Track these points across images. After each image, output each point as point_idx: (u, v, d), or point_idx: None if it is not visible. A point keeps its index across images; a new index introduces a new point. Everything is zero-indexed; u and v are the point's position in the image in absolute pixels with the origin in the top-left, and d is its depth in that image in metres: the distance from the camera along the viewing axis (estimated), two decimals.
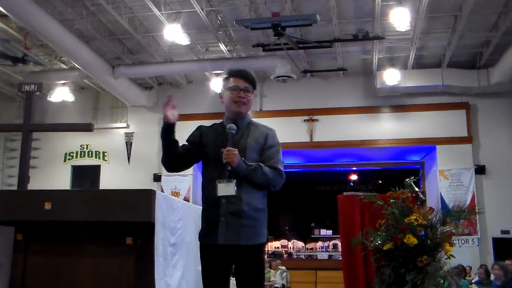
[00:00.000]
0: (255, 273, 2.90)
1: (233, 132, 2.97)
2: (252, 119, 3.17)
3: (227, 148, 2.86)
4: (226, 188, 2.85)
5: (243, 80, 3.07)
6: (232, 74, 3.12)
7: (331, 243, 14.24)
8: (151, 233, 3.18)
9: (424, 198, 5.48)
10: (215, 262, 2.91)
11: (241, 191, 2.87)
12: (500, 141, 11.96)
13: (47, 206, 3.19)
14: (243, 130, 3.05)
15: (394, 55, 11.57)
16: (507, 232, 11.44)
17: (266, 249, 14.27)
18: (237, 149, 2.87)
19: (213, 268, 2.92)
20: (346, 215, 5.39)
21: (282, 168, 3.00)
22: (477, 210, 10.00)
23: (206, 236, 2.93)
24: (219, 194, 2.86)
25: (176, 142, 3.07)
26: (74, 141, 13.48)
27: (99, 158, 13.55)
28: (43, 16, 8.99)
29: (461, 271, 8.24)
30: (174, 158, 3.08)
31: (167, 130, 3.03)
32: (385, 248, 4.37)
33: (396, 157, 13.32)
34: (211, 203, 2.93)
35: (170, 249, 3.52)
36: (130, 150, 13.42)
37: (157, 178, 12.87)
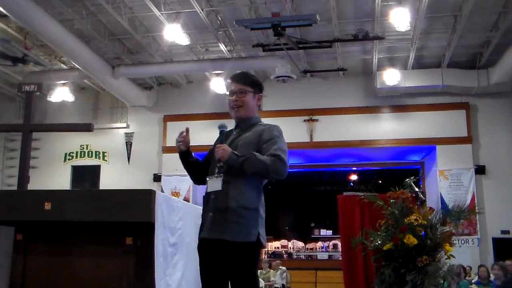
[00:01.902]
0: (241, 271, 2.82)
1: (224, 130, 3.05)
2: (261, 120, 3.15)
3: (217, 145, 2.93)
4: (214, 184, 2.92)
5: (237, 83, 3.09)
6: (230, 78, 3.19)
7: (331, 243, 14.24)
8: (151, 233, 3.18)
9: (424, 198, 5.48)
10: (206, 258, 2.90)
11: (229, 186, 2.88)
12: (500, 141, 11.96)
13: (47, 206, 3.19)
14: (243, 131, 3.06)
15: (394, 55, 11.57)
16: (507, 232, 11.44)
17: (263, 251, 14.37)
18: (226, 145, 2.91)
19: (205, 264, 2.91)
20: (346, 215, 5.39)
21: (282, 155, 2.88)
22: (477, 210, 9.99)
23: (199, 232, 2.97)
24: (208, 190, 2.95)
25: (194, 162, 3.18)
26: (74, 141, 13.48)
27: (99, 158, 13.55)
28: (43, 16, 8.99)
29: (460, 270, 8.25)
30: (198, 175, 3.18)
31: (182, 158, 3.15)
32: (385, 248, 4.37)
33: (396, 157, 13.32)
34: (205, 200, 2.99)
35: (170, 249, 3.52)
36: (130, 150, 13.42)
37: (157, 178, 12.88)
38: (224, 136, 3.06)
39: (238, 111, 3.06)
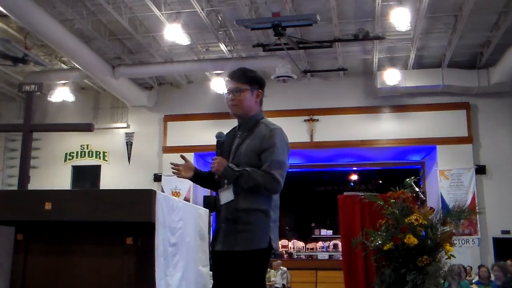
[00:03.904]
0: (251, 278, 2.81)
1: (221, 140, 3.00)
2: (263, 118, 3.10)
3: (213, 157, 2.91)
4: (225, 195, 2.91)
5: (232, 81, 3.05)
6: (227, 75, 3.18)
7: (331, 243, 14.25)
8: (152, 233, 3.17)
9: (424, 198, 5.49)
10: (220, 269, 2.92)
11: (238, 197, 2.87)
12: (500, 141, 11.95)
13: (47, 206, 3.18)
14: (245, 134, 3.02)
15: (394, 55, 11.56)
16: (508, 232, 11.43)
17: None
18: (221, 157, 2.89)
19: (218, 275, 2.93)
20: (346, 215, 5.40)
21: (276, 172, 2.83)
22: (477, 210, 10.00)
23: (213, 243, 2.99)
24: (221, 203, 2.94)
25: (210, 179, 3.11)
26: (74, 141, 13.48)
27: (99, 158, 13.55)
28: (43, 16, 8.99)
29: (460, 270, 8.25)
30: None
31: (194, 181, 3.15)
32: (385, 248, 4.38)
33: (396, 157, 13.31)
34: (217, 211, 3.00)
35: (171, 249, 3.51)
36: (130, 150, 13.41)
37: (157, 178, 12.87)
38: (221, 146, 3.01)
39: (234, 109, 3.04)
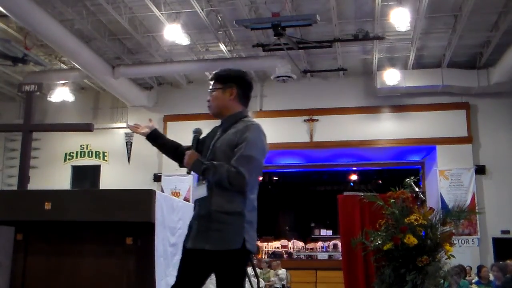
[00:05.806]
0: (226, 281, 2.72)
1: (197, 135, 3.00)
2: (247, 117, 3.01)
3: (186, 151, 2.91)
4: (199, 191, 2.87)
5: (211, 83, 3.07)
6: None
7: (331, 243, 14.23)
8: (151, 233, 3.18)
9: (424, 198, 5.48)
10: (188, 267, 2.81)
11: (212, 193, 2.80)
12: (500, 141, 11.96)
13: (47, 206, 3.19)
14: (224, 130, 2.96)
15: (394, 55, 11.56)
16: (507, 232, 11.44)
17: (262, 251, 14.26)
18: (192, 151, 2.88)
19: (186, 272, 2.82)
20: (346, 215, 5.39)
21: (241, 167, 2.73)
22: (477, 210, 10.00)
23: (185, 240, 2.89)
24: (195, 198, 2.91)
25: (169, 146, 3.09)
26: (74, 141, 13.48)
27: (99, 158, 13.55)
28: (43, 16, 8.99)
29: (461, 270, 8.25)
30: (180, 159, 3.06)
31: (155, 144, 3.12)
32: (385, 248, 4.37)
33: (396, 157, 13.32)
34: (194, 208, 2.95)
35: (170, 249, 3.51)
36: (130, 150, 13.41)
37: (157, 178, 12.88)
38: (196, 141, 2.99)
39: (209, 109, 3.04)
